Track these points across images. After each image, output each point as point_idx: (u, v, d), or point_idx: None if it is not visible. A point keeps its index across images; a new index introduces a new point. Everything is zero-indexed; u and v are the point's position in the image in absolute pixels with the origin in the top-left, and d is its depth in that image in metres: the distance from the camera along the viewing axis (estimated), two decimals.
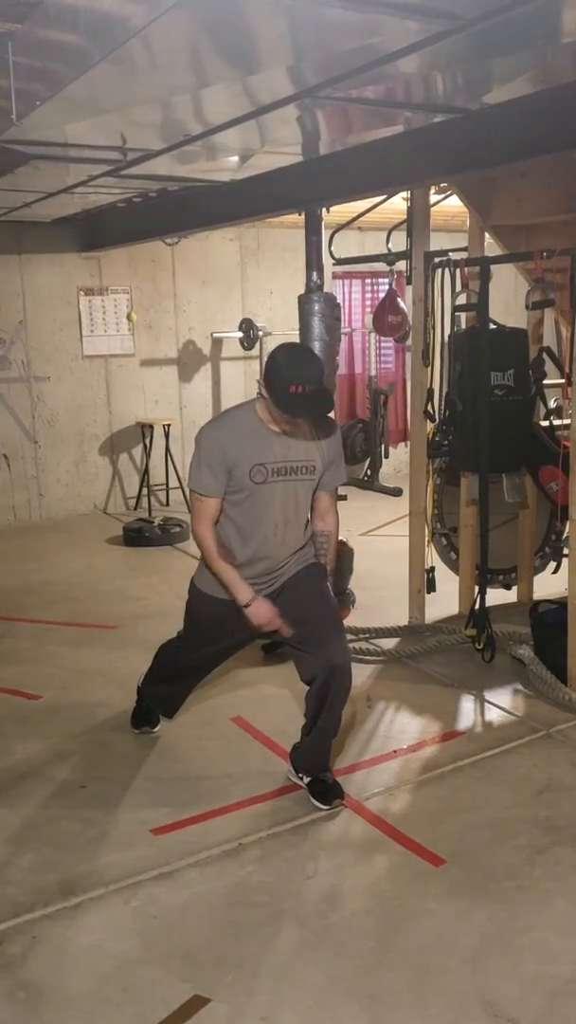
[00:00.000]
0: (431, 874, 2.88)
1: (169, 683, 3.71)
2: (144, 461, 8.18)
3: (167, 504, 8.34)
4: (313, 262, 5.10)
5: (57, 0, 2.48)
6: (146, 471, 8.20)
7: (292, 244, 7.93)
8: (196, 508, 3.19)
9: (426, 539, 4.97)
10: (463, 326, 4.68)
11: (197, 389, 8.47)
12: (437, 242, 4.76)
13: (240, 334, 8.13)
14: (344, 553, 5.17)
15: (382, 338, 8.67)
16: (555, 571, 4.95)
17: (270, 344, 8.22)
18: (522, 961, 2.49)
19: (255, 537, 3.19)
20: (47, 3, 2.46)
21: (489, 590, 4.59)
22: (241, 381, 8.58)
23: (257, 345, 8.08)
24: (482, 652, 4.46)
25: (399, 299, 6.55)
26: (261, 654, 4.56)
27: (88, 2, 2.43)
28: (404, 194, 5.37)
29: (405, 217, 5.25)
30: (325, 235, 5.25)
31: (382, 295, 6.87)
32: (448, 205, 5.82)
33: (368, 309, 8.86)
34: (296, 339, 5.30)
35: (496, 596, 4.98)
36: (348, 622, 5.03)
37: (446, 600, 5.08)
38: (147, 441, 8.11)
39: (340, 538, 5.17)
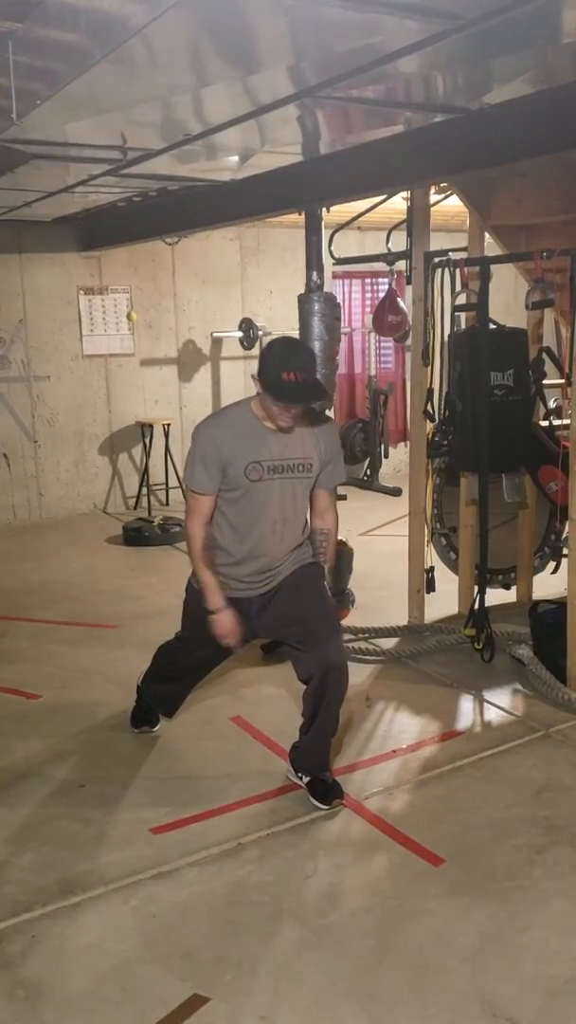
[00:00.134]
0: (430, 874, 2.89)
1: (168, 683, 3.72)
2: (144, 461, 8.19)
3: (167, 504, 8.34)
4: (313, 262, 5.10)
5: None
6: (146, 471, 8.20)
7: (292, 244, 7.94)
8: (189, 505, 3.22)
9: (426, 539, 4.97)
10: (463, 326, 4.68)
11: (197, 389, 8.47)
12: (437, 242, 4.76)
13: (240, 334, 8.13)
14: (344, 553, 5.17)
15: (382, 338, 8.67)
16: (554, 571, 4.95)
17: None
18: (521, 960, 2.49)
19: (252, 535, 3.18)
20: (47, 2, 2.46)
21: (488, 590, 4.59)
22: (241, 381, 8.58)
23: (257, 345, 8.08)
24: (481, 652, 4.46)
25: (399, 299, 6.55)
26: (261, 654, 4.56)
27: (88, 1, 2.43)
28: (404, 194, 5.37)
29: (405, 217, 5.25)
30: (325, 235, 5.25)
31: (382, 295, 6.87)
32: (448, 205, 5.82)
33: (368, 309, 8.86)
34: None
35: (495, 596, 4.99)
36: (348, 622, 5.03)
37: (445, 600, 5.08)
38: (147, 441, 8.11)
39: (340, 538, 5.20)
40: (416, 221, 4.81)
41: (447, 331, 4.55)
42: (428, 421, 4.73)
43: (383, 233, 6.40)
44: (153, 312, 8.21)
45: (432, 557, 5.06)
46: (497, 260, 4.52)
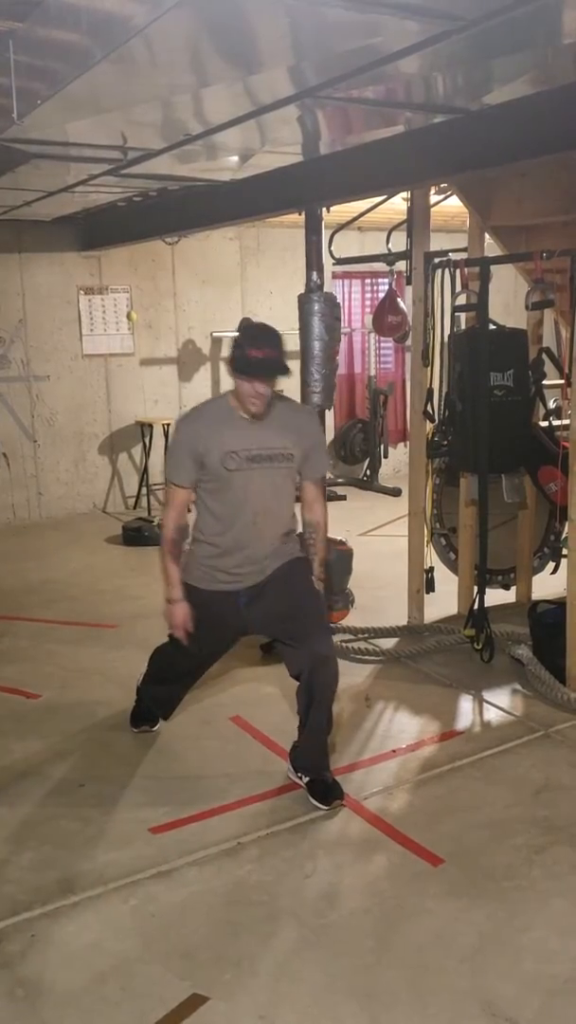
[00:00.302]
0: (429, 873, 2.89)
1: (166, 683, 3.72)
2: (143, 460, 8.19)
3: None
4: (313, 262, 5.10)
5: None
6: (145, 470, 8.20)
7: (292, 244, 7.94)
8: (167, 496, 3.33)
9: (425, 539, 4.97)
10: (463, 326, 4.68)
11: (197, 388, 8.47)
12: (437, 242, 4.76)
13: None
14: (343, 553, 5.17)
15: (382, 338, 8.68)
16: (554, 571, 4.95)
17: None
18: (520, 960, 2.50)
19: (234, 526, 3.22)
20: (48, 2, 2.47)
21: (488, 590, 4.59)
22: None
23: None
24: (481, 652, 4.46)
25: (399, 299, 6.56)
26: (260, 654, 4.56)
27: (89, 1, 2.43)
28: (404, 194, 5.38)
29: (405, 217, 5.26)
30: (325, 235, 5.25)
31: (382, 295, 6.88)
32: (448, 205, 5.82)
33: (368, 309, 8.86)
34: (296, 339, 5.31)
35: (495, 596, 4.99)
36: (347, 622, 5.04)
37: (445, 600, 5.08)
38: (147, 440, 8.11)
39: (340, 538, 5.22)
40: (416, 221, 4.81)
41: (447, 331, 4.55)
42: (428, 421, 4.73)
43: (383, 233, 6.41)
44: (153, 312, 8.21)
45: (432, 557, 5.07)
46: (497, 260, 4.52)
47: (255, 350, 3.06)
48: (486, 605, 4.49)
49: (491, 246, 4.89)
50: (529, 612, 4.52)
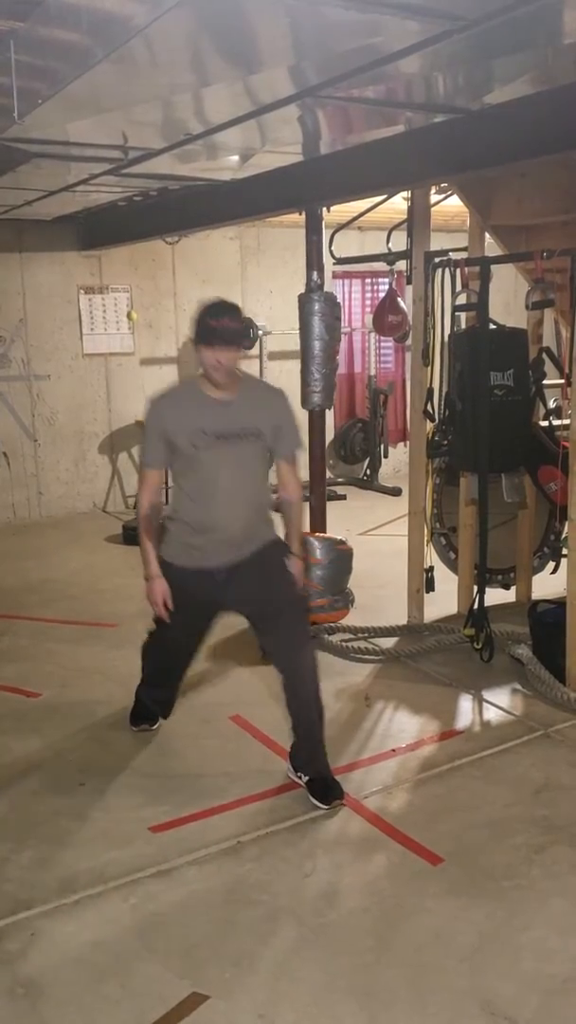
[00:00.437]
0: (429, 873, 2.89)
1: (161, 677, 3.76)
2: None
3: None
4: (313, 261, 5.11)
5: None
6: None
7: (292, 243, 7.93)
8: (141, 477, 3.44)
9: (425, 539, 4.97)
10: (463, 326, 4.68)
11: None
12: (437, 242, 4.77)
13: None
14: (343, 552, 5.18)
15: (382, 338, 8.68)
16: (554, 571, 4.95)
17: (270, 343, 8.24)
18: (519, 960, 2.50)
19: (207, 504, 3.28)
20: (49, 2, 2.47)
21: (488, 590, 4.59)
22: None
23: (257, 344, 8.09)
24: (480, 652, 4.46)
25: (399, 299, 6.56)
26: (260, 653, 4.56)
27: (90, 1, 2.43)
28: (404, 194, 5.38)
29: (405, 217, 5.26)
30: (325, 235, 5.26)
31: (382, 295, 6.88)
32: (448, 205, 5.82)
33: (368, 309, 8.86)
34: (296, 339, 5.32)
35: (495, 596, 4.99)
36: (347, 621, 5.04)
37: (445, 600, 5.08)
38: None
39: (339, 537, 5.23)
40: (416, 221, 4.81)
41: (447, 331, 4.56)
42: (428, 421, 4.74)
43: (383, 233, 6.41)
44: (153, 311, 8.21)
45: (432, 557, 5.07)
46: (497, 260, 4.52)
47: (214, 320, 3.17)
48: (486, 604, 4.49)
49: (491, 246, 4.89)
50: (529, 612, 4.52)
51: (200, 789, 3.41)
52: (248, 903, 2.76)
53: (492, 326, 4.32)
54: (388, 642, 4.82)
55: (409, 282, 4.86)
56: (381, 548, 6.36)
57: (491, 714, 4.04)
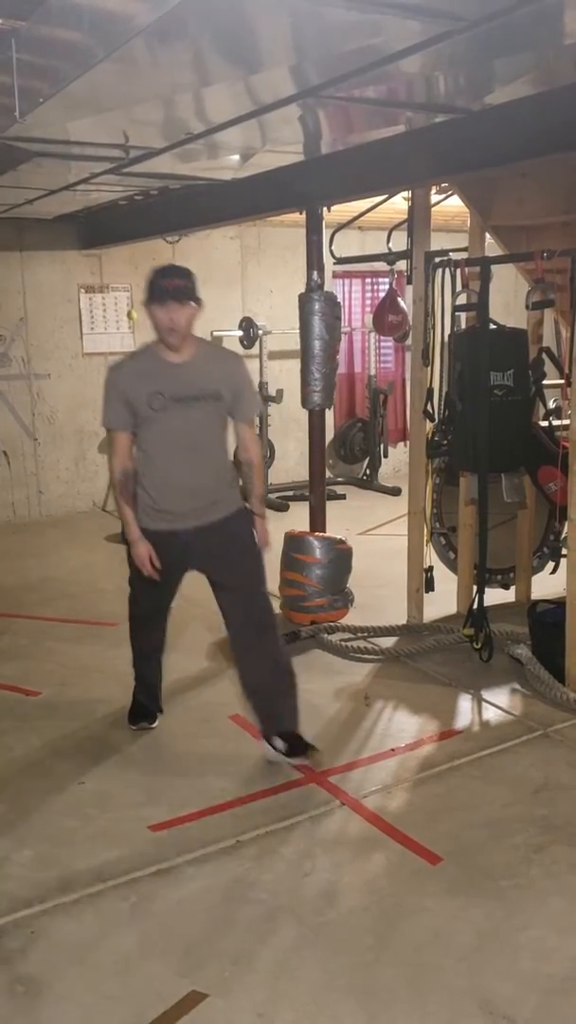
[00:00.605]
0: (428, 872, 2.89)
1: (145, 648, 3.85)
2: None
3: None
4: (314, 261, 5.11)
5: None
6: None
7: (293, 243, 7.94)
8: (109, 442, 3.49)
9: (425, 538, 4.97)
10: (463, 326, 4.69)
11: None
12: (438, 242, 4.77)
13: (240, 332, 8.13)
14: (343, 552, 5.18)
15: (382, 337, 8.68)
16: (553, 571, 4.95)
17: (270, 343, 8.24)
18: (518, 959, 2.50)
19: (168, 466, 3.38)
20: (50, 1, 2.47)
21: (487, 590, 4.60)
22: None
23: (257, 343, 8.09)
24: (480, 651, 4.47)
25: (399, 299, 6.56)
26: None
27: (91, 0, 2.43)
28: (405, 194, 5.38)
29: (406, 217, 5.26)
30: (326, 234, 5.25)
31: (382, 294, 6.88)
32: (449, 205, 5.83)
33: (368, 308, 8.86)
34: (296, 338, 5.32)
35: (494, 596, 4.99)
36: (346, 620, 5.05)
37: (444, 599, 5.09)
38: None
39: (339, 537, 5.23)
40: (417, 221, 4.82)
41: (447, 331, 4.56)
42: (428, 421, 4.74)
43: (384, 233, 6.41)
44: None
45: (431, 556, 5.07)
46: (497, 260, 4.53)
47: (166, 280, 3.27)
48: (485, 604, 4.49)
49: (492, 246, 4.90)
50: (528, 612, 4.52)
51: (199, 788, 3.41)
52: (247, 902, 2.76)
53: (492, 326, 4.33)
54: (387, 642, 4.82)
55: (409, 282, 4.86)
56: (381, 548, 6.36)
57: (490, 714, 4.04)
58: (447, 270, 4.49)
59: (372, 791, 3.38)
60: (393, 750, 3.71)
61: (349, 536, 5.50)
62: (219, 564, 3.50)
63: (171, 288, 3.24)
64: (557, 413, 5.26)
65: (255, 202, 5.33)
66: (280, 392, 8.12)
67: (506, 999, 2.35)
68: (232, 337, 8.31)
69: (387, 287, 6.73)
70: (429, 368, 4.70)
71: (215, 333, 8.40)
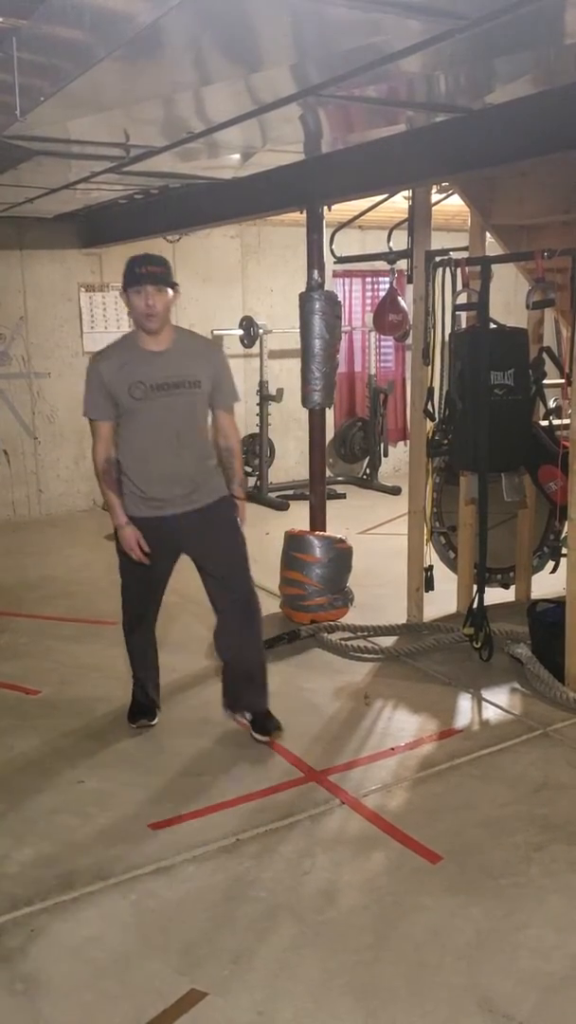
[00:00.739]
0: (428, 871, 2.90)
1: (142, 648, 3.88)
2: None
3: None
4: (314, 260, 5.11)
5: None
6: None
7: (293, 242, 7.94)
8: (92, 432, 3.58)
9: (425, 538, 4.98)
10: (463, 325, 4.69)
11: None
12: (438, 241, 4.77)
13: (240, 332, 8.13)
14: (342, 551, 5.18)
15: (382, 337, 8.68)
16: (553, 571, 4.96)
17: (270, 342, 8.24)
18: (517, 957, 2.50)
19: (151, 454, 3.44)
20: None
21: (487, 589, 4.60)
22: (241, 378, 8.58)
23: (257, 343, 8.09)
24: (480, 651, 4.47)
25: (400, 298, 6.56)
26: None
27: None
28: (405, 193, 5.38)
29: (406, 216, 5.26)
30: (326, 233, 5.25)
31: (383, 294, 6.88)
32: (449, 204, 5.83)
33: (369, 308, 8.87)
34: (296, 338, 5.32)
35: (494, 595, 5.00)
36: (346, 620, 5.05)
37: (444, 599, 5.09)
38: None
39: (339, 536, 5.23)
40: (417, 220, 4.82)
41: (447, 330, 4.56)
42: (428, 420, 4.74)
43: (384, 232, 6.41)
44: None
45: (431, 556, 5.07)
46: (498, 260, 4.53)
47: (141, 267, 3.38)
48: (485, 604, 4.50)
49: (492, 245, 4.90)
50: (528, 611, 4.52)
51: (199, 787, 3.41)
52: (247, 900, 2.76)
53: (492, 325, 4.33)
54: (387, 641, 4.83)
55: (410, 281, 4.87)
56: (381, 547, 6.37)
57: (490, 713, 4.04)
58: (447, 269, 4.49)
59: (372, 790, 3.39)
60: (393, 749, 3.71)
61: (349, 535, 5.50)
62: (205, 550, 3.58)
63: (146, 273, 3.33)
64: (557, 412, 5.26)
65: (255, 201, 5.33)
66: (280, 391, 8.12)
67: (505, 997, 2.35)
68: (232, 336, 8.32)
69: (387, 286, 6.73)
70: (429, 367, 4.71)
71: (215, 332, 8.41)
